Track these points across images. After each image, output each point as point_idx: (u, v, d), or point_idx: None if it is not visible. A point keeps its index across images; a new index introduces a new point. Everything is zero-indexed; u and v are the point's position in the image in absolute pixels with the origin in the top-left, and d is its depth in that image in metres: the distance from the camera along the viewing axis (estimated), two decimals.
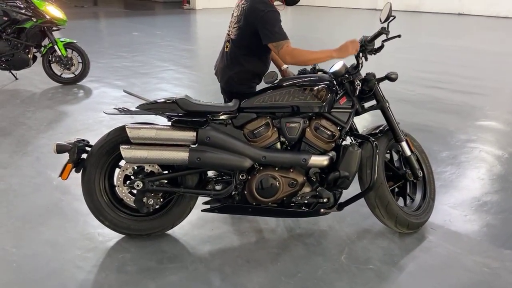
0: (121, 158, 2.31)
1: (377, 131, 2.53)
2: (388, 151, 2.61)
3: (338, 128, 2.36)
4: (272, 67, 2.60)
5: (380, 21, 2.28)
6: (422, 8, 16.07)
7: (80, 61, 5.71)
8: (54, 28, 5.67)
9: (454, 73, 6.69)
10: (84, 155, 2.35)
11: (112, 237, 2.47)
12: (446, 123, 4.51)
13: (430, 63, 7.44)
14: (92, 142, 2.39)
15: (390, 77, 2.38)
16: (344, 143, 2.40)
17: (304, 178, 2.35)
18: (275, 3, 2.45)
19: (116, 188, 2.40)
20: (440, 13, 15.55)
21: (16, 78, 5.92)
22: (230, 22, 2.54)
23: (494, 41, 9.91)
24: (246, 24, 2.39)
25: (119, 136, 2.29)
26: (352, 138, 2.48)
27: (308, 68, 2.61)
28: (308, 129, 2.33)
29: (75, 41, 5.72)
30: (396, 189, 2.61)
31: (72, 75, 5.78)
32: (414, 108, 4.99)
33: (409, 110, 4.91)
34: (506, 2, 14.17)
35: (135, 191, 2.35)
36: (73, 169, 2.32)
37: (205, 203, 2.43)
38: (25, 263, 2.26)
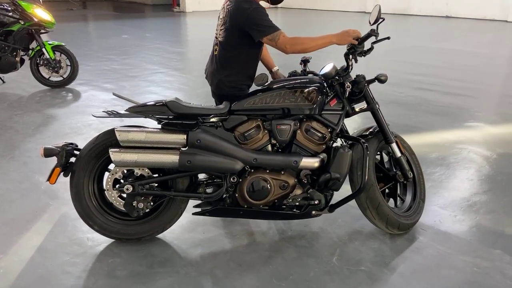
0: (110, 161, 2.29)
1: (367, 133, 2.54)
2: (378, 153, 2.63)
3: (329, 130, 2.36)
4: (263, 69, 2.60)
5: (370, 23, 2.29)
6: (410, 11, 16.25)
7: (69, 64, 5.67)
8: (42, 31, 5.61)
9: (442, 75, 6.77)
10: (73, 159, 2.32)
11: (102, 241, 2.44)
12: (435, 124, 4.55)
13: (418, 65, 7.51)
14: (81, 146, 2.36)
15: (380, 79, 2.39)
16: (334, 145, 2.41)
17: (295, 180, 2.35)
18: (260, 2, 2.44)
19: (105, 192, 2.37)
20: (427, 16, 15.74)
21: (4, 82, 5.83)
22: (217, 25, 2.53)
23: (481, 43, 10.06)
24: (232, 24, 2.37)
25: (108, 140, 2.27)
26: (342, 140, 2.48)
27: (299, 70, 2.61)
28: (299, 131, 2.33)
29: (63, 44, 5.66)
30: (387, 190, 2.62)
31: (61, 78, 5.73)
32: (403, 110, 5.03)
33: (398, 111, 4.95)
34: (492, 5, 14.40)
35: (124, 195, 2.32)
36: (62, 173, 2.29)
37: (196, 206, 2.41)
38: (12, 269, 2.22)
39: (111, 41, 9.67)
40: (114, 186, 2.33)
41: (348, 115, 2.44)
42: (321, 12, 17.61)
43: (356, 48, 2.32)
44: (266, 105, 2.30)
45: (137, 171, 2.32)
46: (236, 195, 2.34)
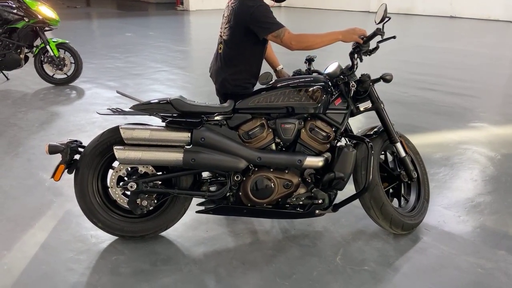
0: (114, 159, 2.29)
1: (372, 132, 2.53)
2: (382, 152, 2.62)
3: (333, 129, 2.36)
4: (268, 68, 2.59)
5: (375, 22, 2.28)
6: (414, 11, 16.19)
7: (73, 61, 5.67)
8: (47, 28, 5.62)
9: (446, 75, 6.74)
10: (77, 156, 2.33)
11: (105, 239, 2.45)
12: (439, 124, 4.54)
13: (422, 65, 7.49)
14: (85, 143, 2.37)
15: (385, 78, 2.38)
16: (339, 144, 2.40)
17: (299, 179, 2.35)
18: (264, 0, 2.43)
19: (109, 189, 2.38)
20: (431, 16, 15.68)
21: (8, 79, 5.85)
22: (222, 23, 2.53)
23: (485, 43, 10.02)
24: (237, 23, 2.37)
25: (112, 137, 2.27)
26: (347, 139, 2.48)
27: (303, 69, 2.60)
28: (303, 130, 2.33)
29: (67, 42, 5.67)
30: (391, 190, 2.62)
31: (65, 76, 5.74)
32: (407, 110, 5.01)
33: (402, 111, 4.94)
34: (496, 5, 14.33)
35: (128, 193, 2.32)
36: (66, 170, 2.29)
37: (200, 204, 2.41)
38: (16, 266, 2.22)
39: (115, 39, 9.68)
40: (118, 183, 2.33)
41: (352, 114, 2.43)
42: (325, 11, 17.56)
43: (361, 47, 2.31)
44: (271, 103, 2.29)
45: (141, 169, 2.32)
46: (240, 193, 2.34)
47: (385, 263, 2.30)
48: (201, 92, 5.57)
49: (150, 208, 2.34)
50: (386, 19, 2.25)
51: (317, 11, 17.38)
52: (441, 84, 6.19)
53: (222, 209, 2.37)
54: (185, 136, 2.23)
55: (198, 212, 2.39)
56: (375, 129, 2.55)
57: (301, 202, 2.35)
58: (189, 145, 2.26)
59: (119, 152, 2.20)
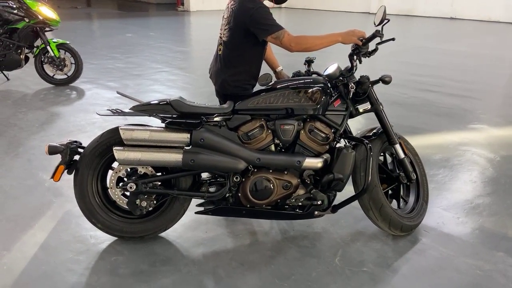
0: (114, 160, 2.29)
1: (371, 134, 2.54)
2: (381, 154, 2.62)
3: (332, 130, 2.36)
4: (267, 69, 2.60)
5: (374, 24, 2.29)
6: (414, 12, 16.21)
7: (73, 62, 5.68)
8: (47, 29, 5.63)
9: (446, 76, 6.75)
10: (77, 157, 2.33)
11: (105, 239, 2.45)
12: (439, 126, 4.54)
13: (422, 66, 7.49)
14: (85, 144, 2.37)
15: (384, 80, 2.39)
16: (338, 145, 2.41)
17: (298, 180, 2.35)
18: (264, 2, 2.44)
19: (109, 190, 2.38)
20: (432, 17, 15.70)
21: (8, 79, 5.86)
22: (221, 24, 2.53)
23: (485, 45, 10.02)
24: (236, 24, 2.38)
25: (112, 138, 2.28)
26: (346, 140, 2.48)
27: (303, 70, 2.61)
28: (302, 132, 2.33)
29: (68, 42, 5.68)
30: (390, 192, 2.62)
31: (65, 76, 5.75)
32: (406, 111, 5.02)
33: (402, 113, 4.94)
34: (497, 7, 14.35)
35: (128, 193, 2.33)
36: (65, 171, 2.30)
37: (199, 205, 2.41)
38: (16, 265, 2.23)
39: (115, 40, 9.70)
40: (117, 184, 2.34)
41: (351, 115, 2.44)
42: (325, 12, 17.58)
43: (360, 49, 2.32)
44: (270, 105, 2.30)
45: (141, 170, 2.33)
46: (239, 194, 2.35)
47: (384, 265, 2.31)
48: (201, 93, 5.58)
49: (150, 209, 2.35)
50: (385, 21, 2.26)
51: (317, 12, 17.40)
52: (441, 85, 6.19)
53: (221, 210, 2.37)
54: (184, 137, 2.23)
55: (197, 213, 2.39)
56: (374, 131, 2.55)
57: (300, 203, 2.35)
58: (189, 146, 2.26)
59: (118, 153, 2.21)
